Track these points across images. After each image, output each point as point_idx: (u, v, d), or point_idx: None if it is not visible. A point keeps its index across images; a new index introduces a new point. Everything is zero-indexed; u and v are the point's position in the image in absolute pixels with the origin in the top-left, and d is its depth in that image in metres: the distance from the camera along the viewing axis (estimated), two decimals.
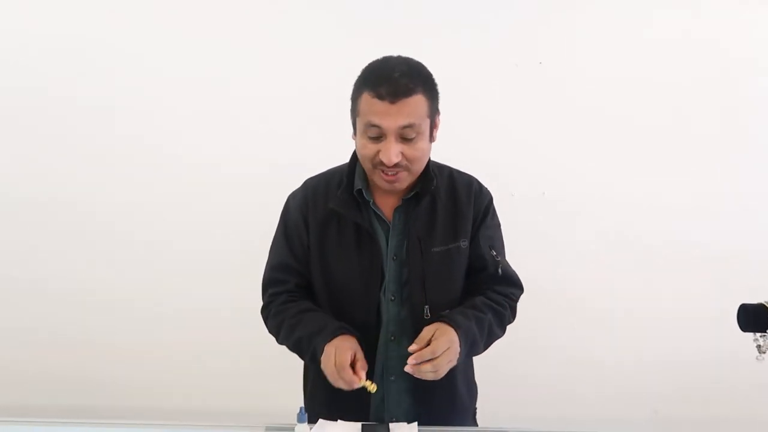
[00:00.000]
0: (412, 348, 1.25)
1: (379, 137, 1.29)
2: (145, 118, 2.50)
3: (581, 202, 2.55)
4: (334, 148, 1.49)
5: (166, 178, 2.51)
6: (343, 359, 1.25)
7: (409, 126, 1.28)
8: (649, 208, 2.57)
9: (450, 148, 1.52)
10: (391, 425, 1.28)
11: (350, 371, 1.24)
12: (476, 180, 1.50)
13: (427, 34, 2.34)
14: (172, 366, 2.52)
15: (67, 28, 2.48)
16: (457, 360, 1.29)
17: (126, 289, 2.54)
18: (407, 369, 1.24)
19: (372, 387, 1.23)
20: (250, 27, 2.47)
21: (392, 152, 1.28)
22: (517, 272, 1.50)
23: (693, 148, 2.55)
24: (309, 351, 1.35)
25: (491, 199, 1.50)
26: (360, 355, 1.28)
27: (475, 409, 1.55)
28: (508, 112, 2.51)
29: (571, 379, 2.55)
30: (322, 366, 1.28)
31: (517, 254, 1.55)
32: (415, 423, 1.29)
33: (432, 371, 1.23)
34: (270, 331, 1.48)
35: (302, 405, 1.15)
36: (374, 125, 1.28)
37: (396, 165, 1.30)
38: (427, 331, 1.28)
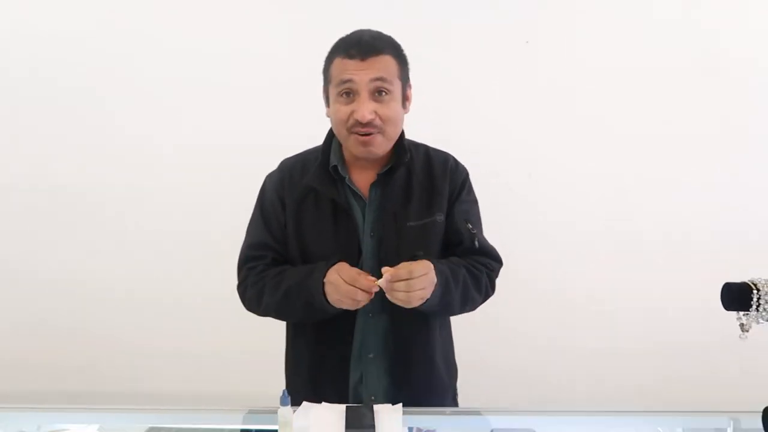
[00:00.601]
0: (385, 269, 1.26)
1: (351, 95, 1.32)
2: (139, 105, 2.50)
3: (569, 185, 2.54)
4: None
5: (159, 165, 2.51)
6: (352, 272, 1.27)
7: (381, 79, 1.31)
8: (639, 193, 2.55)
9: (437, 132, 1.51)
10: (375, 407, 1.28)
11: (366, 276, 1.26)
12: (452, 156, 1.51)
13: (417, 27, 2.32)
14: (154, 350, 2.51)
15: (56, 10, 2.47)
16: (431, 301, 1.28)
17: (107, 275, 2.54)
18: (381, 282, 1.24)
19: (380, 281, 1.25)
20: (249, 26, 2.48)
21: (366, 108, 1.31)
22: (510, 263, 1.51)
23: (686, 134, 2.52)
24: (302, 296, 1.33)
25: (467, 175, 1.51)
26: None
27: (456, 389, 1.55)
28: (495, 95, 2.51)
29: (555, 364, 2.54)
30: (331, 294, 1.28)
31: (505, 239, 1.55)
32: (400, 405, 1.29)
33: (404, 291, 1.23)
34: (249, 303, 1.45)
35: (285, 388, 1.14)
36: (346, 80, 1.31)
37: (370, 125, 1.32)
38: (403, 264, 1.28)
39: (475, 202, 1.52)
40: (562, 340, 2.54)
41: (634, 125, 2.52)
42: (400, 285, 1.23)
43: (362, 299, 1.26)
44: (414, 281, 1.23)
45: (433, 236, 1.41)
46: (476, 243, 1.44)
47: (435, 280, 1.27)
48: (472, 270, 1.41)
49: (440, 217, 1.43)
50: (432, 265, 1.28)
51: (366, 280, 1.26)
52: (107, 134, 2.51)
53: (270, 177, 1.50)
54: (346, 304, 1.28)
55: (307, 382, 1.42)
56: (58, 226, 2.54)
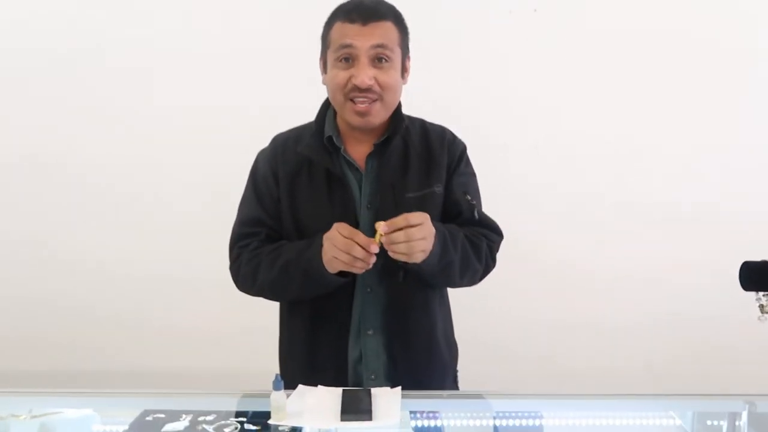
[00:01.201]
0: (379, 222, 1.21)
1: (350, 60, 1.28)
2: (134, 75, 2.44)
3: (574, 156, 2.47)
4: None
5: (155, 136, 2.45)
6: (351, 228, 1.22)
7: (381, 46, 1.28)
8: (648, 165, 2.48)
9: (439, 105, 1.46)
10: (373, 391, 1.22)
11: (363, 234, 1.21)
12: (449, 130, 1.47)
13: None
14: (150, 330, 2.49)
15: None
16: (431, 259, 1.23)
17: (102, 251, 2.51)
18: (380, 232, 1.18)
19: (379, 234, 1.19)
20: (248, 18, 2.41)
21: (365, 74, 1.27)
22: (512, 237, 1.46)
23: (694, 101, 2.44)
24: (300, 267, 1.28)
25: (465, 148, 1.47)
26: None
27: (457, 370, 1.50)
28: (501, 62, 2.43)
29: (559, 340, 2.49)
30: (327, 251, 1.23)
31: (506, 210, 1.50)
32: (398, 388, 1.24)
33: (405, 242, 1.18)
34: (242, 283, 1.39)
35: (278, 372, 1.09)
36: (346, 45, 1.28)
37: (369, 91, 1.28)
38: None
39: (474, 175, 1.47)
40: (567, 316, 2.48)
41: (641, 96, 2.44)
42: (400, 235, 1.18)
43: (360, 256, 1.20)
44: (413, 230, 1.19)
45: (431, 208, 1.36)
46: (476, 214, 1.39)
47: (434, 230, 1.23)
48: (471, 238, 1.36)
49: (439, 189, 1.39)
50: (428, 215, 1.23)
51: (365, 237, 1.21)
52: (101, 111, 2.45)
53: (262, 152, 1.46)
54: (342, 262, 1.21)
55: (304, 363, 1.38)
56: (52, 202, 2.49)
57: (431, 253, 1.23)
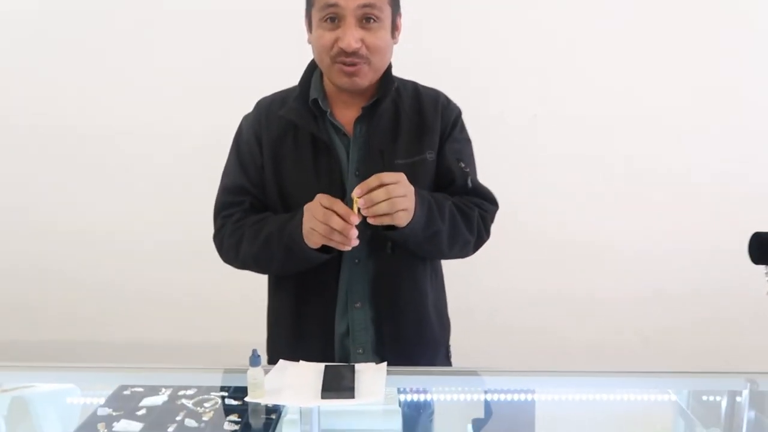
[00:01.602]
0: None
1: (336, 20, 1.21)
2: (128, 36, 2.36)
3: (574, 125, 2.39)
4: None
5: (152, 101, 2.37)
6: (330, 199, 1.15)
7: (369, 6, 1.20)
8: (650, 131, 2.40)
9: (435, 70, 1.40)
10: (357, 367, 1.16)
11: (343, 204, 1.14)
12: (443, 94, 1.40)
13: None
14: (133, 300, 2.44)
15: None
16: (415, 225, 1.17)
17: (94, 221, 2.44)
18: (357, 195, 1.11)
19: (355, 201, 1.11)
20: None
21: (351, 36, 1.20)
22: (509, 208, 1.41)
23: (698, 65, 2.36)
24: (282, 242, 1.22)
25: (460, 113, 1.39)
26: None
27: (449, 345, 1.44)
28: (498, 23, 2.34)
29: (556, 313, 2.44)
30: (306, 222, 1.17)
31: (505, 180, 1.44)
32: (384, 364, 1.18)
33: (385, 200, 1.11)
34: (226, 255, 1.34)
35: (255, 348, 1.03)
36: (331, 5, 1.20)
37: (356, 55, 1.21)
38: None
39: (469, 141, 1.40)
40: (563, 287, 2.44)
41: (641, 65, 2.36)
42: (380, 193, 1.11)
43: (338, 227, 1.12)
44: (392, 186, 1.12)
45: (422, 176, 1.30)
46: (469, 182, 1.32)
47: (413, 190, 1.17)
48: (461, 207, 1.29)
49: (431, 156, 1.32)
50: (403, 175, 1.16)
51: (343, 206, 1.14)
52: (95, 75, 2.36)
53: (246, 117, 1.38)
54: (320, 234, 1.14)
55: (289, 336, 1.32)
56: (37, 164, 2.42)
57: (415, 220, 1.16)
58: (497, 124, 2.30)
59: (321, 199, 1.15)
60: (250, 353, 1.03)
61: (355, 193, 1.11)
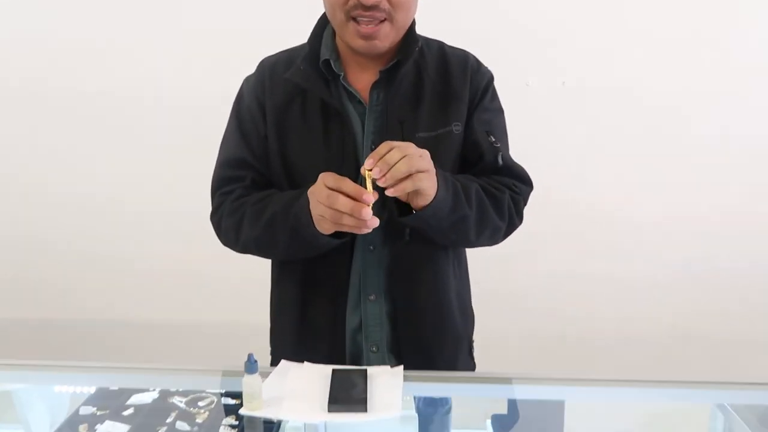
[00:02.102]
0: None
1: None
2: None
3: (605, 93, 2.18)
4: None
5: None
6: (338, 177, 0.97)
7: None
8: (685, 105, 2.19)
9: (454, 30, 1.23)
10: (370, 371, 1.02)
11: (352, 182, 0.95)
12: (473, 56, 1.22)
13: None
14: (135, 273, 2.29)
15: None
16: (438, 207, 1.01)
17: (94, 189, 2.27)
18: (369, 166, 0.94)
19: (367, 175, 0.94)
20: None
21: None
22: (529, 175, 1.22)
23: (736, 29, 2.14)
24: (287, 224, 1.05)
25: (491, 78, 1.22)
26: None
27: (472, 342, 1.29)
28: None
29: (587, 298, 2.26)
30: (313, 208, 1.00)
31: (531, 153, 1.27)
32: (400, 368, 1.05)
33: (403, 161, 0.93)
34: (225, 237, 1.17)
35: (251, 353, 0.89)
36: None
37: (376, 9, 1.04)
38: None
39: (501, 111, 1.23)
40: (593, 270, 2.25)
41: (679, 30, 2.14)
42: (394, 154, 0.93)
43: (345, 209, 0.93)
44: (406, 148, 0.95)
45: (447, 151, 1.14)
46: (499, 159, 1.15)
47: (433, 166, 0.99)
48: (489, 189, 1.12)
49: (457, 128, 1.15)
50: (413, 145, 0.98)
51: (352, 184, 0.95)
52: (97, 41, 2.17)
53: (247, 80, 1.21)
54: (329, 221, 0.97)
55: (295, 330, 1.18)
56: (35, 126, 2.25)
57: (438, 203, 1.00)
58: (522, 95, 2.12)
59: (325, 178, 0.98)
60: (256, 336, 0.90)
61: (367, 164, 0.94)
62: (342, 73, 1.12)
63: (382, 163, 0.93)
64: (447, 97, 1.15)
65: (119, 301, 2.30)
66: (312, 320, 1.16)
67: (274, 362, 1.23)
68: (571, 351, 2.21)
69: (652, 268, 2.27)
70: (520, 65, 2.11)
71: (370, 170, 0.93)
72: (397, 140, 1.08)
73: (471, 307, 1.28)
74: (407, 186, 0.94)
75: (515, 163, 1.19)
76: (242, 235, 1.12)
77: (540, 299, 2.25)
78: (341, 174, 1.01)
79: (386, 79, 1.12)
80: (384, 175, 0.93)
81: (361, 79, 1.13)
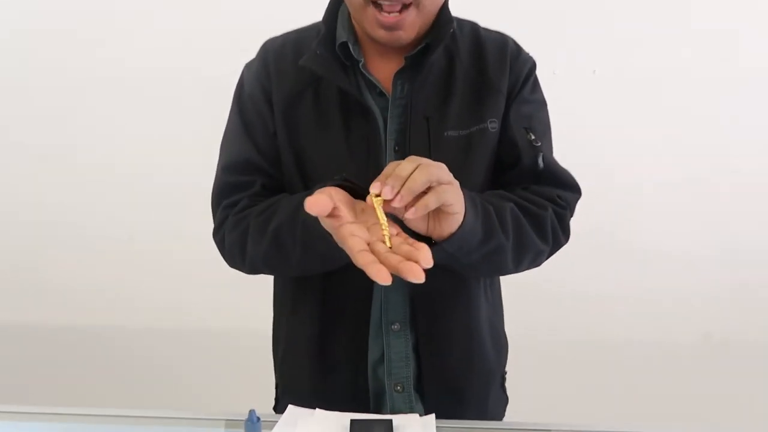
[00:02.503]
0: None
1: None
2: None
3: (639, 82, 1.99)
4: None
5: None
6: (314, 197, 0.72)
7: None
8: (726, 94, 2.00)
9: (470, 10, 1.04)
10: (396, 420, 0.85)
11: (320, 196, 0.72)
12: (512, 39, 1.04)
13: None
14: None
15: None
16: (465, 231, 0.79)
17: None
18: (376, 190, 0.71)
19: (374, 198, 0.71)
20: None
21: None
22: None
23: None
24: (295, 235, 0.87)
25: (534, 65, 1.03)
26: (340, 205, 0.73)
27: (505, 373, 1.12)
28: None
29: (624, 317, 2.09)
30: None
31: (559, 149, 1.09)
32: (432, 417, 0.88)
33: (413, 167, 0.71)
34: (230, 256, 0.98)
35: (253, 409, 0.72)
36: None
37: None
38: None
39: (543, 104, 1.05)
40: (631, 285, 2.08)
41: (719, 20, 1.96)
42: (405, 166, 0.72)
43: (313, 213, 0.71)
44: (416, 158, 0.74)
45: (480, 153, 0.97)
46: (540, 162, 0.97)
47: (458, 183, 0.77)
48: (528, 206, 0.93)
49: (493, 125, 0.97)
50: (443, 166, 0.77)
51: (314, 198, 0.71)
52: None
53: (248, 67, 1.04)
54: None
55: (306, 367, 1.01)
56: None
57: (467, 231, 0.79)
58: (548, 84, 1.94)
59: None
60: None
61: (373, 189, 0.71)
62: (362, 60, 0.95)
63: (393, 178, 0.71)
64: (482, 89, 0.97)
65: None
66: (327, 355, 1.00)
67: (284, 396, 1.08)
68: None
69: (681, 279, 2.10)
70: (546, 52, 1.93)
71: (378, 195, 0.69)
72: (422, 140, 0.93)
73: (504, 333, 1.11)
74: (430, 201, 0.71)
75: (559, 165, 1.01)
76: (248, 252, 0.94)
77: (574, 319, 2.08)
78: (367, 180, 0.83)
79: (412, 67, 0.94)
80: (398, 193, 0.70)
81: (382, 66, 0.96)
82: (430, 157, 0.92)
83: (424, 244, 0.69)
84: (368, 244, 0.70)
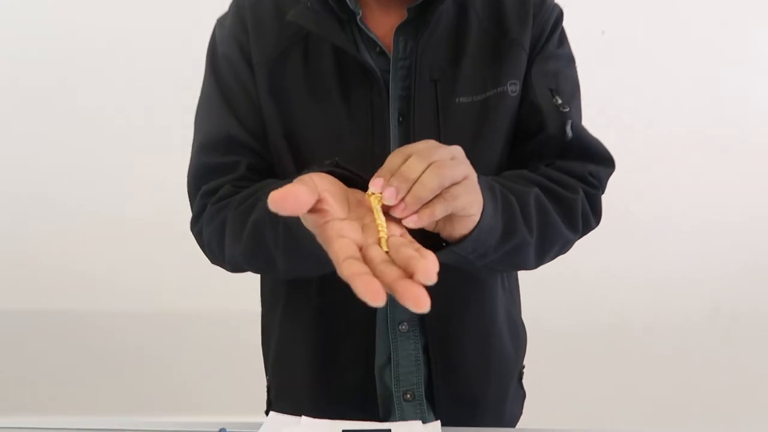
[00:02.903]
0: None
1: None
2: None
3: (651, 43, 1.86)
4: None
5: None
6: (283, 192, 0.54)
7: None
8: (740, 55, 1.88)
9: None
10: (395, 427, 0.75)
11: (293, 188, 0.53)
12: None
13: None
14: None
15: None
16: (482, 229, 0.64)
17: None
18: (377, 187, 0.57)
19: (376, 201, 0.57)
20: None
21: None
22: None
23: None
24: (278, 230, 0.71)
25: (561, 14, 0.88)
26: (327, 196, 0.56)
27: (523, 366, 1.00)
28: None
29: (613, 278, 1.99)
30: None
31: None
32: (437, 423, 0.77)
33: (422, 166, 0.57)
34: (210, 252, 0.84)
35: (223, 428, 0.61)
36: None
37: None
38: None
39: (571, 60, 0.90)
40: (634, 261, 1.97)
41: None
42: (413, 164, 0.57)
43: (283, 212, 0.51)
44: (427, 148, 0.59)
45: (498, 122, 0.83)
46: (568, 130, 0.83)
47: (474, 173, 0.61)
48: (555, 189, 0.79)
49: (513, 88, 0.83)
50: (459, 148, 0.62)
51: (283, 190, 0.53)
52: None
53: (221, 24, 0.88)
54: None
55: (304, 369, 0.89)
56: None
57: (483, 233, 0.65)
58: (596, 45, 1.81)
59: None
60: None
61: (373, 186, 0.57)
62: (359, 13, 0.80)
63: (398, 178, 0.57)
64: (500, 45, 0.83)
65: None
66: (329, 358, 0.87)
67: (278, 401, 0.95)
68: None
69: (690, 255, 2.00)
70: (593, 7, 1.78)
71: (380, 193, 0.56)
72: (429, 106, 0.80)
73: (522, 324, 0.99)
74: (437, 210, 0.57)
75: (589, 134, 0.87)
76: (227, 249, 0.79)
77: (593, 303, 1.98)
78: (372, 155, 0.74)
79: (416, 21, 0.80)
80: (403, 199, 0.56)
81: (383, 21, 0.82)
82: (438, 129, 0.80)
83: (430, 252, 0.51)
84: (360, 249, 0.53)
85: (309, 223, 0.57)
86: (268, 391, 0.99)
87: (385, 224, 0.55)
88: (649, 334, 1.98)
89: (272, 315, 0.94)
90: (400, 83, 0.81)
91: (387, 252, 0.53)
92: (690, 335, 2.00)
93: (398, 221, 0.57)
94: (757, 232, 2.00)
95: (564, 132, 0.83)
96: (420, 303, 0.48)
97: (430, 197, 0.57)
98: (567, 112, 0.83)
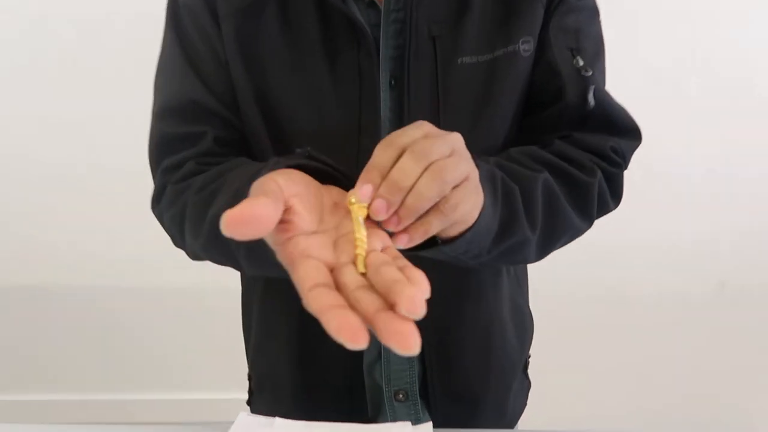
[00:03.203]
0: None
1: None
2: None
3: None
4: None
5: None
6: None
7: None
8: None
9: None
10: (380, 429, 0.66)
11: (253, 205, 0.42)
12: None
13: None
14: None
15: None
16: (478, 225, 0.55)
17: None
18: (361, 195, 0.47)
19: (357, 212, 0.47)
20: None
21: None
22: None
23: None
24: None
25: None
26: (296, 204, 0.45)
27: (528, 356, 0.90)
28: None
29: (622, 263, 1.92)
30: None
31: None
32: (429, 424, 0.68)
33: (419, 169, 0.47)
34: (171, 235, 0.73)
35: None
36: None
37: None
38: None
39: (595, 13, 0.76)
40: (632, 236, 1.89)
41: None
42: (407, 165, 0.47)
43: (240, 236, 0.41)
44: (422, 143, 0.48)
45: (507, 87, 0.72)
46: (589, 99, 0.71)
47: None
48: (568, 170, 0.69)
49: (526, 47, 0.72)
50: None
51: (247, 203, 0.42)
52: None
53: None
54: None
55: (288, 363, 0.79)
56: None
57: (478, 235, 0.56)
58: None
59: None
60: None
61: (359, 193, 0.47)
62: None
63: (390, 187, 0.47)
64: None
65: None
66: (314, 353, 0.77)
67: (260, 392, 0.87)
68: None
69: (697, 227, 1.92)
70: None
71: (367, 205, 0.47)
72: (427, 69, 0.69)
73: (529, 312, 0.89)
74: (432, 225, 0.49)
75: (614, 101, 0.76)
76: (187, 240, 0.69)
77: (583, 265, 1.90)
78: (359, 125, 0.65)
79: None
80: (395, 213, 0.47)
81: None
82: (436, 94, 0.69)
83: (418, 272, 0.42)
84: (331, 271, 0.43)
85: (270, 240, 0.46)
86: (249, 381, 0.90)
87: (365, 239, 0.44)
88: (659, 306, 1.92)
89: (250, 305, 0.85)
90: (393, 41, 0.70)
91: (364, 274, 0.42)
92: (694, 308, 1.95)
93: (381, 227, 0.47)
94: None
95: (585, 100, 0.72)
96: (406, 343, 0.38)
97: (428, 207, 0.48)
98: (590, 76, 0.72)
